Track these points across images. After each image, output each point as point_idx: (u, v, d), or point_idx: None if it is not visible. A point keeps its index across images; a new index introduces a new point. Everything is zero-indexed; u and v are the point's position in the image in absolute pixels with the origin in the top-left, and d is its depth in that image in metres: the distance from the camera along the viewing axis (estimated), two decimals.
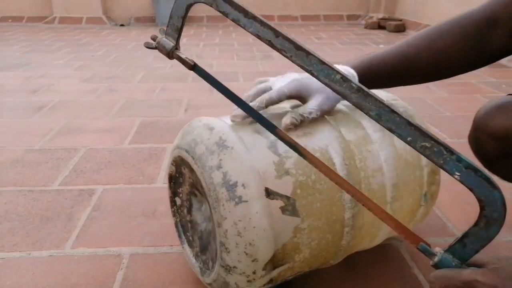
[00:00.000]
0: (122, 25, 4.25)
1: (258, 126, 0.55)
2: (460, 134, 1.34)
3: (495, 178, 0.38)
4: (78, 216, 0.87)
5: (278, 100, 0.56)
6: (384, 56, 0.61)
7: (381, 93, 0.71)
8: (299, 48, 0.36)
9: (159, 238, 0.80)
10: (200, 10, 4.47)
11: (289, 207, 0.52)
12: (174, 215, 0.70)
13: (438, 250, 0.38)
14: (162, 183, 1.02)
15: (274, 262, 0.53)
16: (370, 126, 0.61)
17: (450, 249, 0.37)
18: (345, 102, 0.66)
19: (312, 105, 0.55)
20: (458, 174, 0.35)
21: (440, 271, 0.37)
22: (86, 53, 2.74)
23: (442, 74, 0.63)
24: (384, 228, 0.64)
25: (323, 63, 0.35)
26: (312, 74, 0.36)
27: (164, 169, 1.09)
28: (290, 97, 0.57)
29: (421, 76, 0.64)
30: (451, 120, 1.48)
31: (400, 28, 3.86)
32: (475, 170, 0.35)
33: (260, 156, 0.52)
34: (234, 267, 0.52)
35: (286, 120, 0.54)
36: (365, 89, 0.34)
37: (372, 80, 0.60)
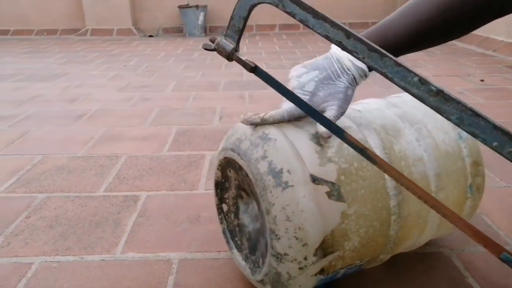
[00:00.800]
0: (151, 36, 4.35)
1: (298, 122, 0.57)
2: None
3: None
4: (125, 222, 0.89)
5: (287, 119, 0.57)
6: (398, 40, 0.56)
7: None
8: (372, 49, 0.36)
9: (206, 244, 0.81)
10: (225, 20, 4.53)
11: (335, 192, 0.52)
12: (221, 222, 0.71)
13: None
14: (203, 190, 1.03)
15: (324, 249, 0.53)
16: (405, 121, 0.62)
17: None
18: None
19: (333, 114, 0.54)
20: None
21: None
22: (118, 63, 2.81)
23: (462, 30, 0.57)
24: (431, 220, 0.62)
25: (398, 65, 0.35)
26: (386, 77, 0.36)
27: (204, 175, 1.10)
28: (299, 117, 0.57)
29: (435, 44, 0.59)
30: None
31: None
32: None
33: (302, 146, 0.54)
34: (285, 254, 0.53)
35: (322, 129, 0.54)
36: (446, 91, 0.34)
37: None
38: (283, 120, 0.57)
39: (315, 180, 0.52)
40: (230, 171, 0.63)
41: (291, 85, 0.57)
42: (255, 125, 0.57)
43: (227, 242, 0.70)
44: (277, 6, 0.41)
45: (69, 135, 1.44)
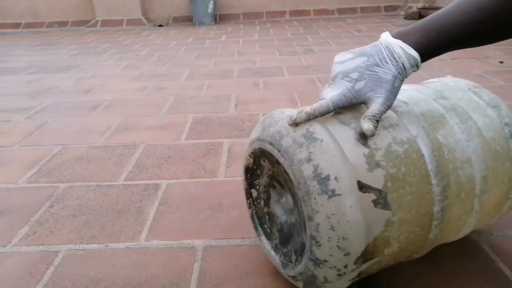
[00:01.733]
0: (160, 25, 4.34)
1: (343, 116, 0.54)
2: None
3: None
4: (148, 210, 0.89)
5: (332, 110, 0.52)
6: (454, 29, 0.53)
7: (462, 82, 0.68)
8: None
9: (229, 231, 0.81)
10: (235, 8, 4.49)
11: (381, 200, 0.50)
12: (249, 207, 0.70)
13: None
14: (223, 177, 1.03)
15: (364, 256, 0.52)
16: (454, 117, 0.59)
17: None
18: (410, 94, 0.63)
19: (379, 107, 0.51)
20: None
21: None
22: (130, 53, 2.81)
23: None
24: (469, 222, 0.61)
25: None
26: None
27: (223, 163, 1.10)
28: (343, 107, 0.53)
29: (491, 39, 0.56)
30: None
31: None
32: None
33: (350, 148, 0.51)
34: (325, 260, 0.52)
35: (366, 126, 0.50)
36: None
37: (438, 53, 0.54)
38: (329, 112, 0.52)
39: (362, 187, 0.49)
40: (264, 161, 0.61)
41: (333, 71, 0.54)
42: (302, 122, 0.53)
43: (255, 228, 0.70)
44: None
45: (86, 125, 1.44)
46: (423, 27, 0.54)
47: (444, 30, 0.53)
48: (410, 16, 3.95)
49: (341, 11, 4.51)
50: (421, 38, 0.53)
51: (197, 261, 0.73)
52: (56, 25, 4.41)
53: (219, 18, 4.47)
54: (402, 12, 4.28)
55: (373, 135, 0.51)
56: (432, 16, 0.55)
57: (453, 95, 0.63)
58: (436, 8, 3.88)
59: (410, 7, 4.22)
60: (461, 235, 0.65)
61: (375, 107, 0.50)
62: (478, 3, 0.52)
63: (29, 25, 4.44)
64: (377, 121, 0.51)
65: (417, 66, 0.53)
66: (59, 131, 1.39)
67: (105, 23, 4.32)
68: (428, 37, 0.53)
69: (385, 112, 0.52)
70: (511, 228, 0.78)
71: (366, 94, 0.51)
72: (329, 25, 3.79)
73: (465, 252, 0.72)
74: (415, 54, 0.52)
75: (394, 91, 0.52)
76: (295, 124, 0.53)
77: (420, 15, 3.91)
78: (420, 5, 4.13)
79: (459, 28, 0.53)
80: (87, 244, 0.79)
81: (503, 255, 0.71)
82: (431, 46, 0.53)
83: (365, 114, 0.51)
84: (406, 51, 0.52)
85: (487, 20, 0.52)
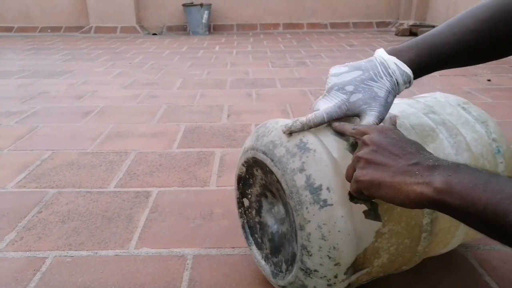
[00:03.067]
0: (154, 34, 4.35)
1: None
2: None
3: None
4: (138, 217, 0.89)
5: (327, 122, 0.53)
6: (443, 47, 0.55)
7: (451, 98, 0.69)
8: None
9: (220, 240, 0.81)
10: (229, 19, 4.53)
11: (372, 211, 0.51)
12: (241, 216, 0.70)
13: None
14: (215, 186, 1.03)
15: (355, 267, 0.52)
16: (444, 131, 0.60)
17: None
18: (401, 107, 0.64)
19: (373, 121, 0.52)
20: None
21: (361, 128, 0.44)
22: (123, 60, 2.81)
23: (501, 55, 0.58)
24: (458, 235, 0.62)
25: None
26: None
27: (215, 172, 1.10)
28: (337, 119, 0.54)
29: (481, 59, 0.59)
30: (500, 126, 1.44)
31: None
32: None
33: (342, 158, 0.52)
34: (315, 270, 0.52)
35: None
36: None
37: (429, 71, 0.57)
38: (323, 123, 0.53)
39: (353, 198, 0.50)
40: (257, 170, 0.62)
41: (329, 83, 0.55)
42: (297, 132, 0.54)
43: (246, 238, 0.70)
44: None
45: (77, 131, 1.43)
46: (416, 46, 0.56)
47: (435, 49, 0.55)
48: (401, 33, 4.02)
49: (334, 25, 4.58)
50: (414, 56, 0.55)
51: (187, 269, 0.73)
52: (49, 30, 4.40)
53: (213, 28, 4.50)
54: (394, 29, 4.36)
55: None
56: (425, 35, 0.57)
57: (443, 110, 0.64)
58: (427, 26, 3.97)
59: (401, 24, 4.30)
60: (449, 248, 0.66)
61: (369, 119, 0.51)
62: (467, 26, 0.55)
63: (21, 29, 4.41)
64: None
65: (410, 83, 0.55)
66: (49, 136, 1.38)
67: (98, 29, 4.31)
68: (421, 56, 0.55)
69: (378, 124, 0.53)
70: (498, 243, 0.79)
71: (360, 107, 0.52)
72: (322, 38, 3.84)
73: (452, 265, 0.73)
74: (408, 71, 0.54)
75: (387, 106, 0.53)
76: (290, 133, 0.54)
77: (410, 32, 3.99)
78: (411, 22, 4.22)
79: (448, 48, 0.55)
80: (76, 251, 0.78)
81: (489, 269, 0.72)
82: (423, 64, 0.55)
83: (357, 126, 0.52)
84: (400, 67, 0.54)
85: (475, 41, 0.55)
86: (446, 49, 0.55)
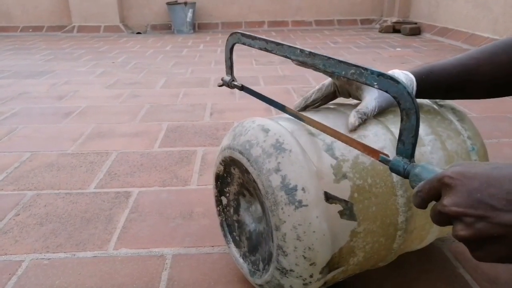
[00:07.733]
0: (138, 33, 4.31)
1: (312, 128, 0.56)
2: (490, 135, 1.33)
3: None
4: (117, 218, 0.88)
5: (326, 93, 0.61)
6: (445, 66, 0.61)
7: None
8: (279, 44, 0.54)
9: (199, 239, 0.81)
10: (214, 17, 4.51)
11: (347, 211, 0.51)
12: (219, 214, 0.70)
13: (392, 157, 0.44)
14: (196, 185, 1.02)
15: (330, 266, 0.53)
16: (422, 129, 0.61)
17: (397, 152, 0.43)
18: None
19: (371, 103, 0.56)
20: (376, 83, 0.42)
21: (420, 184, 0.39)
22: (106, 60, 2.78)
23: (503, 90, 0.61)
24: (433, 231, 0.63)
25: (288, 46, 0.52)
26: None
27: (196, 171, 1.10)
28: (336, 91, 0.60)
29: (482, 90, 0.62)
30: (478, 120, 1.46)
31: (416, 31, 3.84)
32: (383, 74, 0.42)
33: (318, 159, 0.52)
34: (291, 270, 0.52)
35: (352, 120, 0.55)
36: (314, 52, 0.49)
37: (430, 88, 0.61)
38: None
39: (329, 198, 0.50)
40: (234, 169, 0.62)
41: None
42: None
43: (224, 236, 0.70)
44: (243, 44, 0.63)
45: (57, 132, 1.41)
46: (423, 67, 0.61)
47: (437, 66, 0.61)
48: (385, 30, 4.06)
49: (318, 23, 4.60)
50: (416, 68, 0.61)
51: (165, 269, 0.73)
52: (30, 30, 4.32)
53: (197, 27, 4.48)
54: (377, 26, 4.39)
55: (355, 128, 0.55)
56: (434, 62, 0.63)
57: (419, 108, 0.65)
58: (409, 22, 4.01)
59: (385, 21, 4.34)
60: (424, 244, 0.67)
61: (369, 102, 0.56)
62: (469, 54, 0.61)
63: (2, 29, 4.33)
64: (365, 120, 0.56)
65: (412, 88, 0.59)
66: (29, 138, 1.36)
67: (81, 29, 4.26)
68: (423, 67, 0.62)
69: (375, 110, 0.57)
70: None
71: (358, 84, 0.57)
72: (307, 36, 3.86)
73: (428, 258, 0.74)
74: (410, 74, 0.59)
75: (386, 96, 0.57)
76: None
77: (394, 28, 4.03)
78: (394, 19, 4.26)
79: (449, 65, 0.61)
80: (53, 253, 0.77)
81: (464, 261, 0.73)
82: (424, 73, 0.60)
83: (358, 107, 0.56)
84: (402, 72, 0.59)
85: (476, 66, 0.60)
86: (447, 65, 0.61)
